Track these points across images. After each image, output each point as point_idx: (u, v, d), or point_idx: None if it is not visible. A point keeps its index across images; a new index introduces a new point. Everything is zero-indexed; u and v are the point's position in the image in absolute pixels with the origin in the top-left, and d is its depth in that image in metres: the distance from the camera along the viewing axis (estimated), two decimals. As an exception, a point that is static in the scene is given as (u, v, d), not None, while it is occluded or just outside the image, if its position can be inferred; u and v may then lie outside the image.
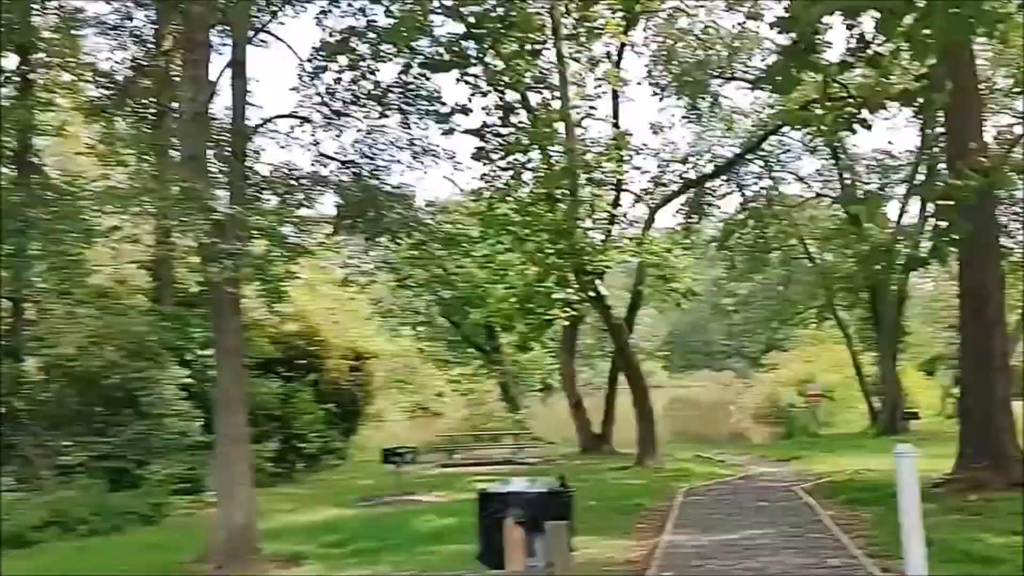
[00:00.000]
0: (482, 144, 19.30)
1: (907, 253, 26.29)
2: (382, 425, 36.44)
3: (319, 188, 13.97)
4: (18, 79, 17.97)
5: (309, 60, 14.41)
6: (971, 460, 13.67)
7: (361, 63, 14.30)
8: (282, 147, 15.20)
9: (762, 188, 31.66)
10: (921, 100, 8.50)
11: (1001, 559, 8.30)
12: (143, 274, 20.38)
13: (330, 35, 14.06)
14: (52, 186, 17.18)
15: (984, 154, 13.11)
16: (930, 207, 21.66)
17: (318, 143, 13.75)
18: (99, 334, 16.21)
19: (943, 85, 10.42)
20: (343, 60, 14.31)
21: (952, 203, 9.76)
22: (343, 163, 13.43)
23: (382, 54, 14.63)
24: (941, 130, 21.44)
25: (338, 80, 14.26)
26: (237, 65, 11.98)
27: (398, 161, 13.64)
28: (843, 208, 29.38)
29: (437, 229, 14.60)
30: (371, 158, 14.33)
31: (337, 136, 13.51)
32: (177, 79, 12.92)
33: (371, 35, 13.96)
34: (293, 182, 13.78)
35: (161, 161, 13.45)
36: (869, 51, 8.47)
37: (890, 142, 54.55)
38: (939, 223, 11.75)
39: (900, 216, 29.65)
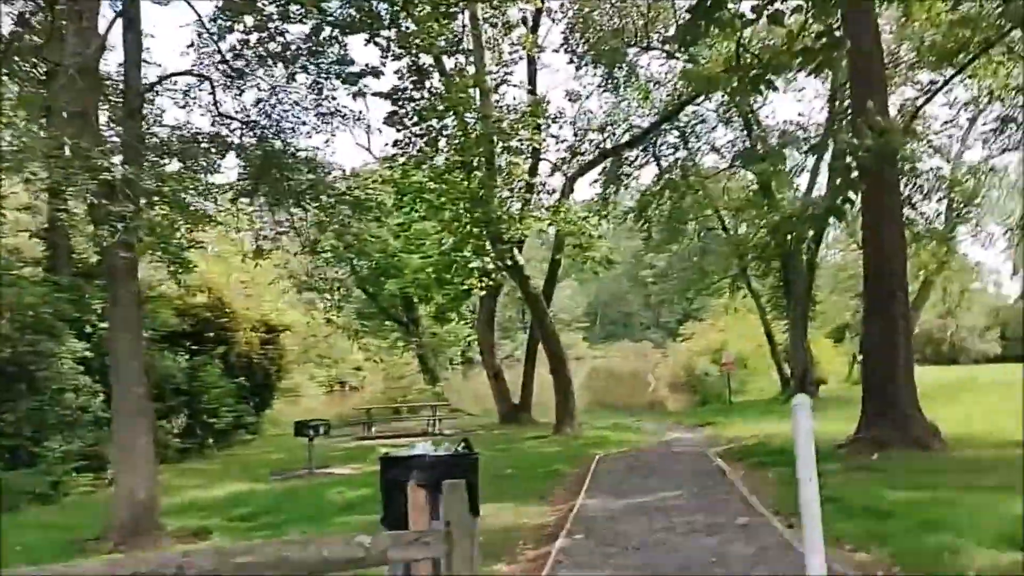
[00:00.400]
0: (395, 108, 18.82)
1: (808, 215, 27.02)
2: (298, 400, 35.82)
3: (220, 150, 13.45)
4: None
5: (213, 20, 13.78)
6: (873, 421, 14.10)
7: (269, 24, 13.74)
8: (181, 107, 14.46)
9: (678, 159, 31.93)
10: (821, 59, 8.53)
11: (898, 513, 8.51)
12: (37, 244, 19.33)
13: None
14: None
15: (882, 115, 13.40)
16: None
17: (218, 103, 13.19)
18: (-13, 306, 15.30)
19: (844, 42, 10.54)
20: (249, 20, 13.73)
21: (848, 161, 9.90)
22: (245, 123, 12.90)
23: (291, 15, 14.09)
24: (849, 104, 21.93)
25: (245, 42, 13.68)
26: (128, 19, 11.33)
27: (303, 123, 13.15)
28: (744, 167, 29.85)
29: (347, 194, 14.14)
30: (276, 120, 13.85)
31: (238, 95, 12.94)
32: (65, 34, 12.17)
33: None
34: (192, 144, 13.23)
35: (50, 121, 12.70)
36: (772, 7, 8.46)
37: (800, 114, 55.94)
38: (836, 181, 11.99)
39: (810, 187, 30.34)
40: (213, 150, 13.89)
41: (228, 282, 24.88)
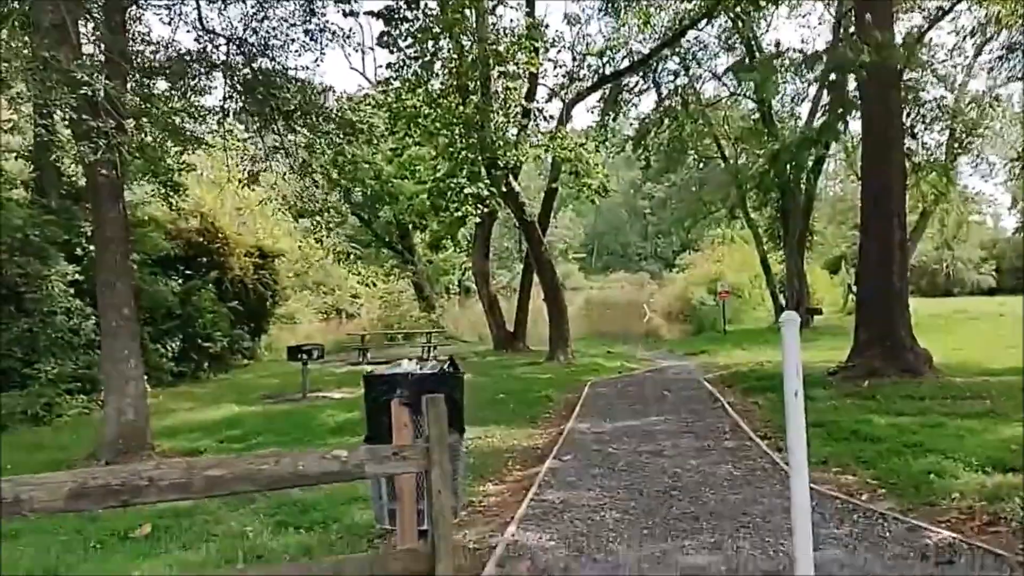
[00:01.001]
0: (387, 29, 18.32)
1: (801, 135, 26.72)
2: (295, 327, 35.87)
3: (207, 69, 13.10)
4: None
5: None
6: (866, 348, 14.12)
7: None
8: (165, 23, 14.01)
9: (678, 86, 31.34)
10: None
11: (885, 437, 8.54)
12: (24, 166, 19.01)
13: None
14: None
15: (883, 31, 13.08)
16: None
17: (204, 20, 12.80)
18: (-26, 229, 15.12)
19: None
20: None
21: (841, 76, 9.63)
22: (230, 40, 12.52)
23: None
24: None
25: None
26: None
27: (292, 39, 12.77)
28: (736, 77, 29.28)
29: (337, 115, 13.84)
30: (264, 38, 13.45)
31: (223, 10, 12.53)
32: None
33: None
34: (179, 62, 12.87)
35: (31, 37, 12.33)
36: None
37: (804, 41, 54.71)
38: (831, 97, 11.76)
39: (811, 116, 29.85)
40: (201, 69, 13.55)
41: (222, 207, 24.64)
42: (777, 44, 29.05)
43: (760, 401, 12.02)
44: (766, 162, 29.27)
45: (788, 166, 28.97)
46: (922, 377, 13.17)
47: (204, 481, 3.41)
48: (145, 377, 11.83)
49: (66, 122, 10.85)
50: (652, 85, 30.91)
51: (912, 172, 29.05)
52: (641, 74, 29.60)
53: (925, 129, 29.44)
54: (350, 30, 14.21)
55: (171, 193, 14.29)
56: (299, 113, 12.28)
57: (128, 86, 13.49)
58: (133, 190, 18.25)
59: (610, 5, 28.27)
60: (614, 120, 29.09)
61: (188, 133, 15.46)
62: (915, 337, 14.24)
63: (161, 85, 13.53)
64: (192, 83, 12.99)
